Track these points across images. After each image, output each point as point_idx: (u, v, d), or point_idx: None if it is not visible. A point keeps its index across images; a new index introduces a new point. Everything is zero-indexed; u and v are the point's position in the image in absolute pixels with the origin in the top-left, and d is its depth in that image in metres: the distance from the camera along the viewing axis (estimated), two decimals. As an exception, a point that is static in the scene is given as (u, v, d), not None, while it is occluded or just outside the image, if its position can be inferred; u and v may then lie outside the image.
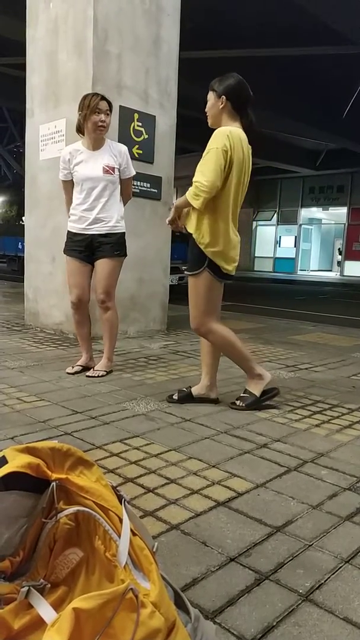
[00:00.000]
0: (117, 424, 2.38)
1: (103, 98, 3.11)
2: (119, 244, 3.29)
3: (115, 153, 3.24)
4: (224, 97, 2.54)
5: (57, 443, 0.89)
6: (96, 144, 3.19)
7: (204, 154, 2.47)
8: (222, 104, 2.55)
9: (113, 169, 3.20)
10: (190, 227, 2.56)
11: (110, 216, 3.23)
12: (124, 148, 3.31)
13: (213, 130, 2.54)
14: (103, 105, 3.09)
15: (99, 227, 3.21)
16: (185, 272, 2.66)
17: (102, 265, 3.25)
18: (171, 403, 2.73)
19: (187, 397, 2.75)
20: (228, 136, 2.44)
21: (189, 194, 2.46)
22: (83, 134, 3.20)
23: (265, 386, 2.71)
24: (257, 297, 10.79)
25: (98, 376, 3.23)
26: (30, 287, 5.16)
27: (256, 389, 2.69)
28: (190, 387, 2.80)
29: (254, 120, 2.61)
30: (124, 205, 3.38)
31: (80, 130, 3.20)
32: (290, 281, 17.45)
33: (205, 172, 2.41)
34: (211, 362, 2.79)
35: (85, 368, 3.35)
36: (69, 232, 3.30)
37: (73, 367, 3.35)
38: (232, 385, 3.14)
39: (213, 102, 2.58)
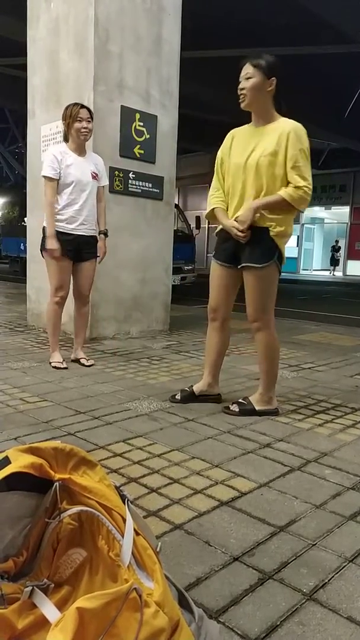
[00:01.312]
0: (120, 424, 2.38)
1: (83, 107, 3.37)
2: (97, 247, 3.59)
3: (96, 162, 3.53)
4: (274, 79, 2.35)
5: (60, 443, 0.89)
6: (81, 151, 3.43)
7: (296, 153, 2.35)
8: (270, 86, 2.37)
9: (96, 175, 3.49)
10: (262, 222, 2.41)
11: (94, 219, 3.51)
12: (101, 160, 3.62)
13: (222, 132, 2.49)
14: (84, 113, 3.33)
15: (86, 229, 3.45)
16: (250, 264, 2.45)
17: (90, 266, 3.56)
18: (174, 403, 2.73)
19: (189, 397, 2.74)
20: (304, 131, 2.38)
21: (296, 199, 2.36)
22: (68, 142, 3.43)
23: (266, 410, 2.60)
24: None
25: (93, 365, 3.56)
26: (32, 288, 5.17)
27: (258, 405, 2.59)
28: (192, 386, 2.79)
29: (284, 111, 2.47)
30: (104, 210, 3.61)
31: (66, 138, 3.44)
32: (293, 281, 17.43)
33: (307, 175, 2.38)
34: (216, 359, 2.77)
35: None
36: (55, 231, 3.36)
37: (62, 362, 3.49)
38: (234, 385, 3.14)
39: (259, 81, 2.34)
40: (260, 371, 2.64)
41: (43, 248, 3.40)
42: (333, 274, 21.33)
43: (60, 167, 3.31)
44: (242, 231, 2.41)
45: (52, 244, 3.31)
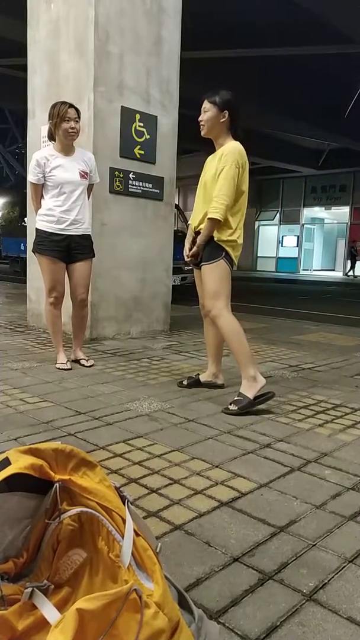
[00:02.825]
0: (120, 425, 2.38)
1: (71, 106, 3.31)
2: (92, 246, 3.57)
3: (85, 159, 3.47)
4: (226, 111, 2.74)
5: (60, 444, 0.89)
6: (68, 150, 3.39)
7: (220, 169, 2.69)
8: (223, 117, 2.75)
9: (86, 173, 3.44)
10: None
11: (84, 218, 3.47)
12: (92, 156, 3.57)
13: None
14: (72, 113, 3.28)
15: (76, 229, 3.42)
16: (203, 263, 2.83)
17: (84, 266, 3.52)
18: (181, 388, 3.04)
19: (195, 383, 3.07)
20: (239, 152, 2.70)
21: (211, 212, 2.69)
22: (54, 141, 3.39)
23: (259, 391, 2.68)
24: (260, 297, 10.78)
25: (93, 365, 3.57)
26: (32, 288, 5.17)
27: (249, 392, 2.66)
28: (199, 374, 3.12)
29: (241, 136, 2.84)
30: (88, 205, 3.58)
31: (52, 137, 3.39)
32: (293, 281, 17.44)
33: (221, 191, 2.67)
34: (216, 350, 3.07)
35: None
36: (43, 231, 3.39)
37: (66, 363, 3.49)
38: (236, 386, 3.14)
39: (214, 114, 2.75)
40: (233, 354, 2.81)
41: (35, 249, 3.43)
42: (354, 276, 20.80)
43: (45, 170, 3.32)
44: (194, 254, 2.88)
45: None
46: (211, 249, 2.81)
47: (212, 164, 2.84)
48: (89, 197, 3.55)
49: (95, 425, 2.37)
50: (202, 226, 2.81)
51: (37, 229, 3.42)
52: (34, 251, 3.45)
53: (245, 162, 2.73)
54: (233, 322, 2.79)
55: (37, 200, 3.43)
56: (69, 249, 3.41)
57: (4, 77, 12.19)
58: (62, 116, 3.25)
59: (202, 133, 2.83)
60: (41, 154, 3.36)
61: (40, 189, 3.39)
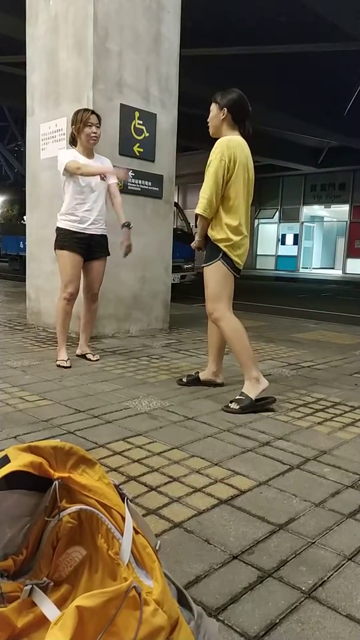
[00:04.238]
0: (120, 423, 2.39)
1: (93, 112, 3.48)
2: (108, 245, 3.71)
3: (103, 163, 3.61)
4: (225, 109, 2.76)
5: (60, 442, 0.89)
6: (89, 154, 3.54)
7: (208, 164, 2.71)
8: (223, 115, 2.77)
9: (105, 177, 3.57)
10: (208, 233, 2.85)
11: (104, 218, 3.62)
12: (108, 160, 3.70)
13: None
14: (94, 119, 3.45)
15: (97, 228, 3.57)
16: (203, 264, 2.88)
17: (101, 264, 3.70)
18: (181, 385, 3.04)
19: (194, 381, 3.07)
20: (227, 145, 2.68)
21: (198, 208, 2.74)
22: (75, 145, 3.53)
23: (261, 393, 2.67)
24: (259, 295, 10.78)
25: (98, 360, 3.66)
26: (32, 287, 5.17)
27: (252, 392, 2.66)
28: (198, 372, 3.11)
29: (250, 132, 2.85)
30: (121, 204, 3.67)
31: (73, 142, 3.54)
32: (293, 279, 17.44)
33: (205, 184, 2.70)
34: (217, 351, 3.06)
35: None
36: (67, 230, 3.51)
37: (66, 360, 3.49)
38: (236, 384, 3.14)
39: (215, 113, 2.80)
40: (235, 356, 2.82)
41: (57, 246, 3.54)
42: None
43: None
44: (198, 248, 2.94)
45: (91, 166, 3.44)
46: (209, 250, 2.84)
47: None
48: (116, 196, 3.64)
49: (95, 423, 2.37)
50: None
51: (59, 228, 3.54)
52: (55, 248, 3.55)
53: (235, 156, 2.67)
54: (235, 323, 2.80)
55: (75, 165, 3.34)
56: (89, 247, 3.55)
57: (3, 75, 12.15)
58: (84, 121, 3.41)
59: (210, 133, 2.88)
60: (72, 151, 3.48)
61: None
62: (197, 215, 2.79)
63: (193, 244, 2.93)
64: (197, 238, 2.88)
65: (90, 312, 3.81)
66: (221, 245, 2.77)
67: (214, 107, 2.81)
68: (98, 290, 3.75)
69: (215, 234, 2.78)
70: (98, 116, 3.49)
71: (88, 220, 3.50)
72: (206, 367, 3.15)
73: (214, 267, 2.81)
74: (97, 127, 3.46)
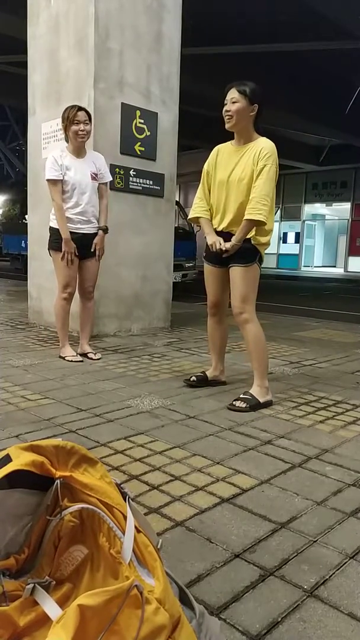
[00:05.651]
0: (122, 422, 2.39)
1: (80, 109, 3.44)
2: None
3: (95, 160, 3.59)
4: (256, 105, 2.61)
5: (61, 441, 0.89)
6: (80, 152, 3.52)
7: (260, 168, 2.58)
8: (252, 111, 2.62)
9: (96, 175, 3.57)
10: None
11: (96, 217, 3.61)
12: (101, 156, 3.70)
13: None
14: (81, 116, 3.40)
15: (89, 228, 3.57)
16: (238, 265, 2.73)
17: (94, 263, 3.70)
18: (191, 386, 3.00)
19: (203, 380, 3.05)
20: (275, 150, 2.63)
21: (252, 214, 2.58)
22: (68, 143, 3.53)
23: (264, 403, 2.71)
24: (261, 293, 10.75)
25: (100, 358, 3.68)
26: (33, 286, 5.17)
27: (260, 396, 2.69)
28: (205, 372, 3.10)
29: (262, 133, 2.75)
30: (106, 207, 3.69)
31: (67, 139, 3.53)
32: (294, 277, 17.42)
33: (263, 191, 2.58)
34: (221, 350, 3.08)
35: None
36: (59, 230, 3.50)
37: (76, 355, 3.61)
38: (237, 383, 3.15)
39: (244, 106, 2.58)
40: (253, 362, 2.81)
41: (51, 247, 3.55)
42: None
43: (63, 168, 3.42)
44: (227, 250, 2.71)
45: (69, 246, 3.45)
46: (246, 251, 2.70)
47: (232, 159, 2.70)
48: (103, 198, 3.64)
49: (97, 422, 2.37)
50: (234, 227, 2.70)
51: (52, 228, 3.54)
52: (50, 249, 3.57)
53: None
54: (260, 330, 2.79)
55: (59, 197, 3.45)
56: (82, 247, 3.54)
57: (4, 74, 12.15)
58: (71, 119, 3.39)
59: (228, 125, 2.64)
60: (56, 152, 3.49)
61: (60, 185, 3.43)
62: (250, 221, 2.59)
63: (228, 245, 2.67)
64: (235, 242, 2.65)
65: (87, 310, 3.82)
66: (262, 249, 2.74)
67: (240, 99, 2.55)
68: (93, 288, 3.76)
69: (261, 238, 2.70)
70: (87, 113, 3.45)
71: (80, 220, 3.51)
72: (209, 365, 3.15)
73: (250, 269, 2.73)
74: (86, 124, 3.42)
